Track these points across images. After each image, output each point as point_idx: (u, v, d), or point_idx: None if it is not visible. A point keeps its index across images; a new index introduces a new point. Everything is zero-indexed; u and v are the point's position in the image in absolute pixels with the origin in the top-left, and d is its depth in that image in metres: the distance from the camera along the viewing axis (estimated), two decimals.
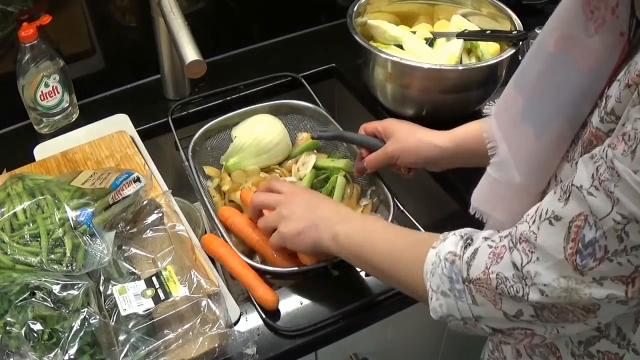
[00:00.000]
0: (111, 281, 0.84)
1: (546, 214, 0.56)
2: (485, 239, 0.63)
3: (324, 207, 0.87)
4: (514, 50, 1.14)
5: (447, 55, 1.20)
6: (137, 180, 0.95)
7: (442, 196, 1.13)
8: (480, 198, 0.69)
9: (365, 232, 0.81)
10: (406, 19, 1.34)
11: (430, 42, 1.26)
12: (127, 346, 0.78)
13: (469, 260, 0.62)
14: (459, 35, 1.23)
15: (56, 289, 0.78)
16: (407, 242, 0.76)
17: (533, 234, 0.56)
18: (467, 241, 0.65)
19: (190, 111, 1.27)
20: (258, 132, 1.15)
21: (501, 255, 0.59)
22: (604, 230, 0.50)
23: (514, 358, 0.76)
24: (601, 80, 0.56)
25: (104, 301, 0.82)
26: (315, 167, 1.14)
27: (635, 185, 0.47)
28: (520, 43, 1.17)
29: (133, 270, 0.88)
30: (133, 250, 0.91)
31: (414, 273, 0.70)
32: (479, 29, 1.27)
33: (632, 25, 0.53)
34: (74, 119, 1.24)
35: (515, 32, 1.19)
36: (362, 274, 0.96)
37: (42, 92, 1.16)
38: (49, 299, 0.77)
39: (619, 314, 0.57)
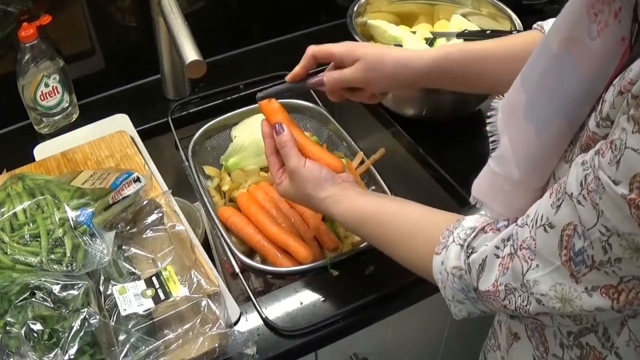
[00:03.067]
0: (111, 281, 0.84)
1: (541, 220, 0.56)
2: (487, 244, 0.64)
3: (313, 206, 0.88)
4: None
5: None
6: (137, 180, 0.95)
7: (441, 195, 1.13)
8: (481, 188, 0.69)
9: (355, 216, 0.83)
10: (406, 19, 1.34)
11: (430, 42, 1.26)
12: (127, 346, 0.78)
13: (478, 273, 0.63)
14: (459, 35, 1.23)
15: (56, 289, 0.78)
16: (403, 234, 0.77)
17: (533, 240, 0.57)
18: (469, 251, 0.65)
19: (190, 111, 1.27)
20: (258, 131, 1.14)
21: (507, 266, 0.60)
22: (591, 241, 0.51)
23: (507, 345, 0.76)
24: (601, 84, 0.55)
25: (104, 301, 0.82)
26: None
27: (616, 199, 0.48)
28: None
29: (133, 270, 0.88)
30: (133, 250, 0.90)
31: (418, 260, 0.73)
32: (479, 28, 1.27)
33: (634, 30, 0.53)
34: (74, 119, 1.24)
35: (515, 31, 1.19)
36: (362, 273, 0.96)
37: (42, 92, 1.16)
38: (49, 299, 0.77)
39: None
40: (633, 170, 0.46)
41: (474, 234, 0.66)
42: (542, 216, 0.56)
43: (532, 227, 0.57)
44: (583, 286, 0.54)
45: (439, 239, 0.70)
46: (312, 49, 0.91)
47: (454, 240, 0.67)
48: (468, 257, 0.65)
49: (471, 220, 0.69)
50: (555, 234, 0.54)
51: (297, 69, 0.92)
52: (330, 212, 0.85)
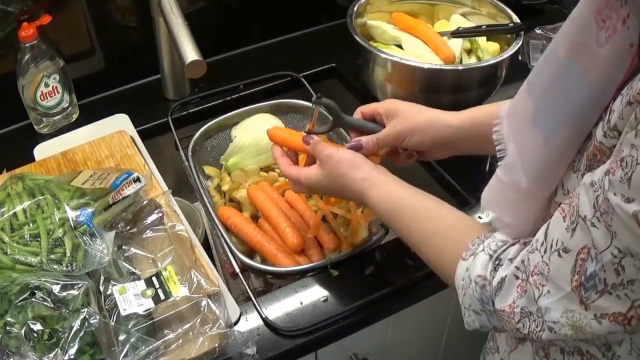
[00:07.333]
0: (111, 281, 0.84)
1: (556, 244, 0.56)
2: (511, 260, 0.63)
3: (345, 188, 0.86)
4: (514, 50, 1.14)
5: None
6: (137, 180, 0.95)
7: (441, 196, 1.13)
8: (489, 198, 0.69)
9: (392, 204, 0.81)
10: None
11: None
12: (127, 346, 0.78)
13: (497, 289, 0.63)
14: (454, 33, 1.23)
15: (56, 289, 0.78)
16: (436, 226, 0.76)
17: (546, 265, 0.57)
18: (496, 262, 0.65)
19: (190, 111, 1.27)
20: (258, 131, 1.14)
21: (525, 289, 0.60)
22: (603, 264, 0.51)
23: (510, 348, 0.76)
24: (609, 91, 0.55)
25: (104, 301, 0.82)
26: None
27: (626, 218, 0.47)
28: (521, 42, 1.16)
29: (133, 270, 0.88)
30: (133, 250, 0.90)
31: (443, 262, 0.73)
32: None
33: None
34: (74, 119, 1.24)
35: (512, 24, 1.19)
36: (362, 274, 0.96)
37: (42, 92, 1.16)
38: (49, 299, 0.77)
39: None
40: None
41: (505, 246, 0.65)
42: (557, 240, 0.56)
43: (546, 252, 0.57)
44: (592, 313, 0.53)
45: (469, 246, 0.69)
46: (360, 108, 0.95)
47: (483, 250, 0.67)
48: (495, 269, 0.64)
49: (504, 234, 0.68)
50: (570, 258, 0.54)
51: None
52: (365, 194, 0.82)
